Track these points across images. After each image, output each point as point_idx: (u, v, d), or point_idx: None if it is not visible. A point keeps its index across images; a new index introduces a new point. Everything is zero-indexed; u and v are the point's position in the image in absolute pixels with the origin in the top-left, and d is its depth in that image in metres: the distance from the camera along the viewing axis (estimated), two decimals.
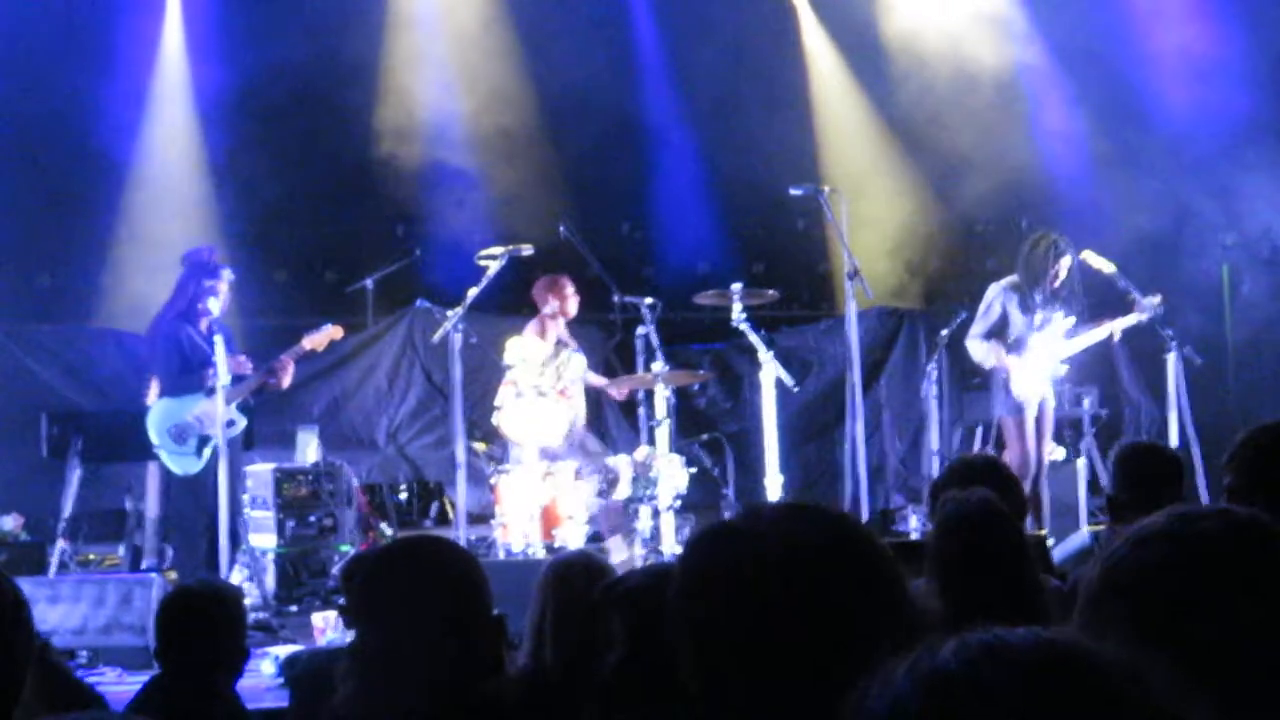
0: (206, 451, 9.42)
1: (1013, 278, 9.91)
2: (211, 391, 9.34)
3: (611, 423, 12.81)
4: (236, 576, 9.52)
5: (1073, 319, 9.86)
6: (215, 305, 9.53)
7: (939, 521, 3.96)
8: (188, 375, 9.53)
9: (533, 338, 10.52)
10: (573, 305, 10.63)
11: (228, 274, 9.69)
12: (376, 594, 3.09)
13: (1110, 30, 13.38)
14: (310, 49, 12.80)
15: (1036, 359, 9.74)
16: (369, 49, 13.81)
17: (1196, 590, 1.67)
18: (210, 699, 4.25)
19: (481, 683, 3.02)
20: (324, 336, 10.04)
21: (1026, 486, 8.61)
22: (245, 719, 4.29)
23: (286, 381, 9.84)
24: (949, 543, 3.86)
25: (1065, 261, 9.80)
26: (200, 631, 4.33)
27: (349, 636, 4.41)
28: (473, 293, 10.11)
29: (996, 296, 9.90)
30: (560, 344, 10.61)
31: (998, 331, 9.83)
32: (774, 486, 10.16)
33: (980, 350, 9.90)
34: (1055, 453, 10.47)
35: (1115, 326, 9.94)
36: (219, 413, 9.27)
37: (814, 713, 1.76)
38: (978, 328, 9.94)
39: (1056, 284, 9.81)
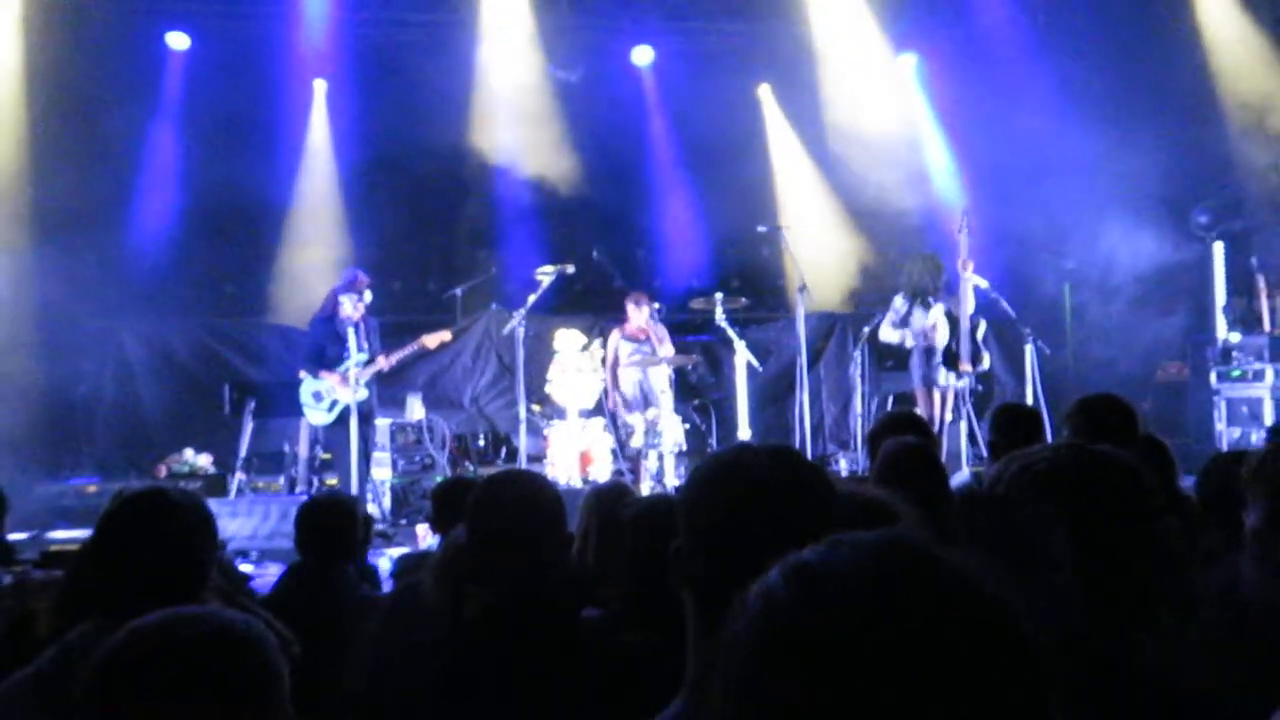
0: (336, 410, 9.43)
1: (911, 286, 9.79)
2: (333, 368, 9.40)
3: None
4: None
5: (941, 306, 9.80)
6: (347, 311, 9.47)
7: (883, 457, 3.88)
8: (311, 363, 9.57)
9: (574, 331, 10.51)
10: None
11: (368, 295, 9.61)
12: (486, 508, 3.00)
13: (988, 108, 13.25)
14: (417, 122, 12.77)
15: (932, 340, 9.69)
16: (459, 120, 13.76)
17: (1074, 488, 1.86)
18: (332, 579, 4.15)
19: (551, 577, 2.96)
20: (437, 338, 10.04)
21: None
22: (356, 596, 4.17)
23: (386, 365, 9.77)
24: (892, 473, 3.78)
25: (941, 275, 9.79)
26: (325, 529, 4.26)
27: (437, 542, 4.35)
28: (532, 299, 10.07)
29: (903, 303, 9.80)
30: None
31: (903, 323, 9.75)
32: (744, 439, 10.11)
33: (894, 336, 9.82)
34: (946, 415, 10.40)
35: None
36: (350, 384, 9.28)
37: None
38: (889, 320, 9.86)
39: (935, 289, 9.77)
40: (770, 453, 1.88)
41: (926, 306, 9.66)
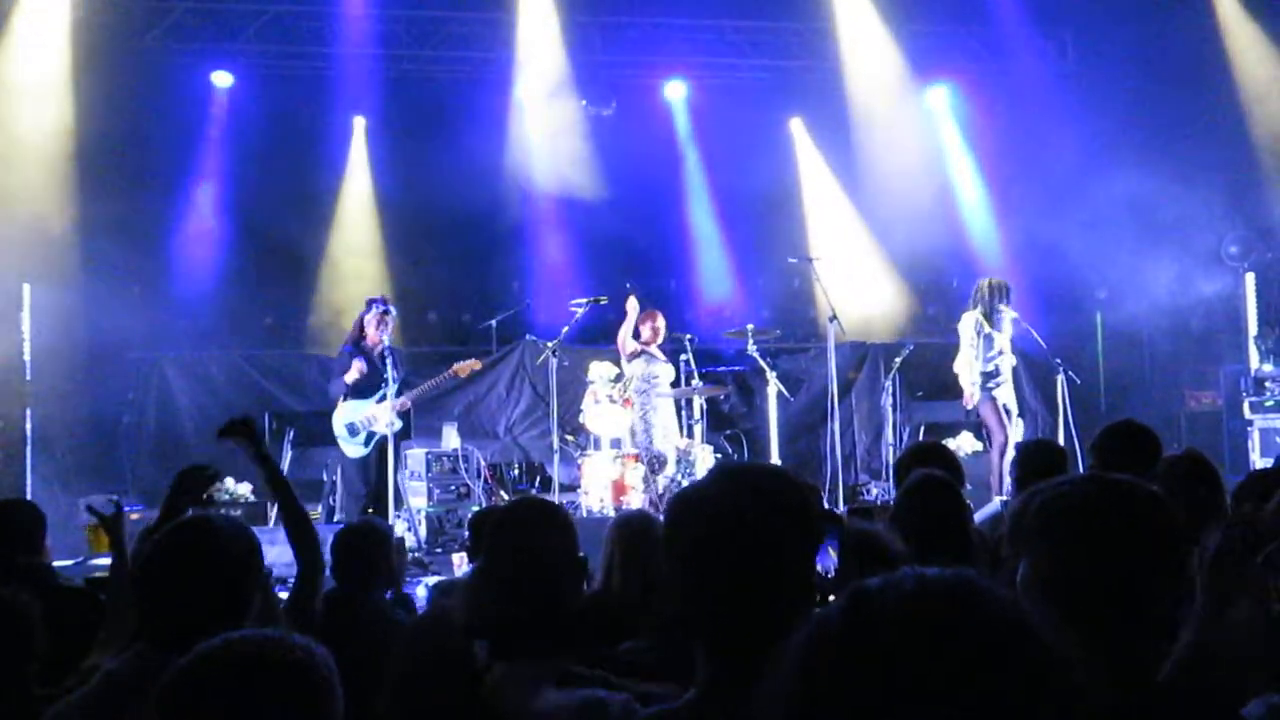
0: (372, 442, 9.46)
1: (978, 310, 9.49)
2: (367, 396, 9.41)
3: None
4: (399, 528, 9.52)
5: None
6: (369, 333, 9.51)
7: (906, 488, 3.87)
8: (344, 382, 9.56)
9: (607, 363, 10.50)
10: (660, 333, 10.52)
11: (390, 314, 9.58)
12: (504, 534, 3.04)
13: (1018, 139, 13.24)
14: (454, 157, 12.86)
15: (1005, 366, 9.48)
16: (495, 155, 13.86)
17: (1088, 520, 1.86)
18: (367, 605, 4.16)
19: (567, 601, 2.97)
20: (467, 366, 10.07)
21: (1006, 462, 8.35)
22: (390, 620, 4.19)
23: (406, 406, 9.74)
24: (914, 502, 3.78)
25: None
26: (358, 556, 4.27)
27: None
28: (565, 330, 10.10)
29: (974, 331, 9.38)
30: (645, 356, 10.46)
31: (989, 346, 9.32)
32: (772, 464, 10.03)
33: (976, 368, 9.28)
34: (976, 445, 10.27)
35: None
36: (383, 414, 9.31)
37: (753, 620, 1.72)
38: (968, 354, 9.35)
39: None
40: (736, 484, 1.86)
41: (997, 327, 9.49)
